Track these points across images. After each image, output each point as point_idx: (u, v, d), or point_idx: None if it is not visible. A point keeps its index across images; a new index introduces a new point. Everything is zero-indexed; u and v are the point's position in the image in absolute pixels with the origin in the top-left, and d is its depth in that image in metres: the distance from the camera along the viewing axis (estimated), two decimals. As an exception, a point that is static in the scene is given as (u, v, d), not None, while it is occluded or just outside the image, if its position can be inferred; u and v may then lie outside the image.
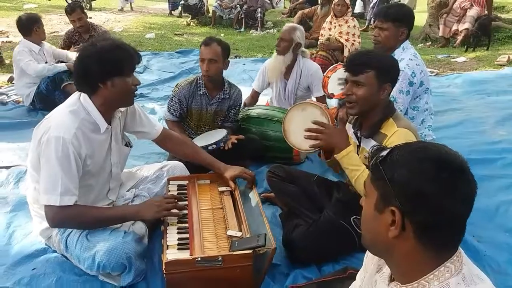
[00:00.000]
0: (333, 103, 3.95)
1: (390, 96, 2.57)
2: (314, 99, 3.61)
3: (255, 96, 3.84)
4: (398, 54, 2.74)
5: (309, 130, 2.03)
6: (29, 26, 4.20)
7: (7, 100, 4.60)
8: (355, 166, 1.93)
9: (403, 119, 2.01)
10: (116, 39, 1.97)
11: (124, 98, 1.95)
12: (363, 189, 1.07)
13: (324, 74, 3.46)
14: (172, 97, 3.04)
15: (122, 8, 13.00)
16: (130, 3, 13.51)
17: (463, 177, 0.92)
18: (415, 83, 2.66)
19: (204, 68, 2.88)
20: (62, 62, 4.48)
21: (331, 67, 3.49)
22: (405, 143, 1.02)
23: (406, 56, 2.71)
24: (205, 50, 2.87)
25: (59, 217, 1.83)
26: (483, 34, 7.65)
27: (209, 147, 2.77)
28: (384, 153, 0.97)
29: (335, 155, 1.99)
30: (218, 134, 2.92)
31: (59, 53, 4.56)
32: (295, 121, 2.28)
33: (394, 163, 0.95)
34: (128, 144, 2.19)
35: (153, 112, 4.38)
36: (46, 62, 4.29)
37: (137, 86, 1.98)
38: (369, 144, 2.00)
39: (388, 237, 0.95)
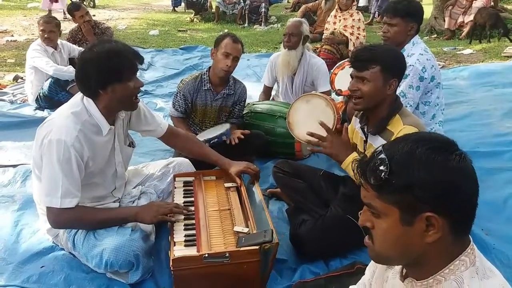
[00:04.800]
0: (340, 97, 3.92)
1: (400, 91, 2.57)
2: None
3: (267, 91, 3.86)
4: (408, 49, 2.72)
5: (311, 134, 2.05)
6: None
7: (14, 99, 4.62)
8: None
9: (410, 115, 1.98)
10: (115, 43, 1.89)
11: (126, 102, 1.94)
12: None
13: (331, 71, 3.45)
14: (177, 93, 3.04)
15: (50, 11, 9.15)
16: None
17: (465, 155, 0.90)
18: (426, 78, 2.63)
19: (227, 63, 2.84)
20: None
21: (338, 64, 3.47)
22: (391, 141, 0.96)
23: (417, 51, 2.68)
24: (232, 46, 2.84)
25: (60, 219, 1.85)
26: (495, 27, 7.51)
27: (211, 142, 2.75)
28: (383, 166, 0.89)
29: (340, 165, 2.01)
30: (220, 129, 2.91)
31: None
32: (300, 113, 2.28)
33: (403, 169, 0.88)
34: (131, 144, 2.19)
35: (158, 109, 4.38)
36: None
37: (143, 83, 1.97)
38: (376, 141, 1.99)
39: (423, 244, 0.90)
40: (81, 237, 1.92)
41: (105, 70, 1.79)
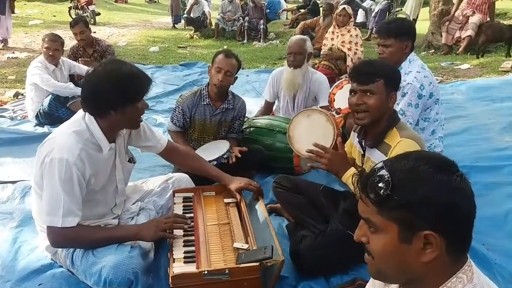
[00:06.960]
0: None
1: (399, 109, 2.59)
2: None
3: (268, 106, 3.87)
4: (405, 67, 2.74)
5: (310, 151, 2.07)
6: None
7: (14, 115, 4.64)
8: None
9: (407, 129, 2.00)
10: (129, 65, 1.89)
11: (132, 123, 1.97)
12: None
13: (330, 91, 3.47)
14: (176, 107, 3.06)
15: None
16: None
17: (465, 176, 0.90)
18: (424, 95, 2.66)
19: (219, 77, 2.87)
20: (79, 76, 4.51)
21: (336, 83, 3.50)
22: (392, 158, 0.96)
23: (414, 68, 2.71)
24: (225, 61, 2.88)
25: (61, 238, 1.84)
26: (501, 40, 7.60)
27: (210, 163, 2.73)
28: (384, 182, 0.88)
29: (340, 178, 2.03)
30: (220, 148, 2.89)
31: (81, 69, 4.55)
32: (300, 127, 2.29)
33: (405, 186, 0.87)
34: (131, 160, 2.19)
35: (158, 125, 4.39)
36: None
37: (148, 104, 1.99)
38: (373, 154, 2.00)
39: (419, 262, 0.89)
40: (80, 254, 1.90)
41: (124, 93, 1.81)
